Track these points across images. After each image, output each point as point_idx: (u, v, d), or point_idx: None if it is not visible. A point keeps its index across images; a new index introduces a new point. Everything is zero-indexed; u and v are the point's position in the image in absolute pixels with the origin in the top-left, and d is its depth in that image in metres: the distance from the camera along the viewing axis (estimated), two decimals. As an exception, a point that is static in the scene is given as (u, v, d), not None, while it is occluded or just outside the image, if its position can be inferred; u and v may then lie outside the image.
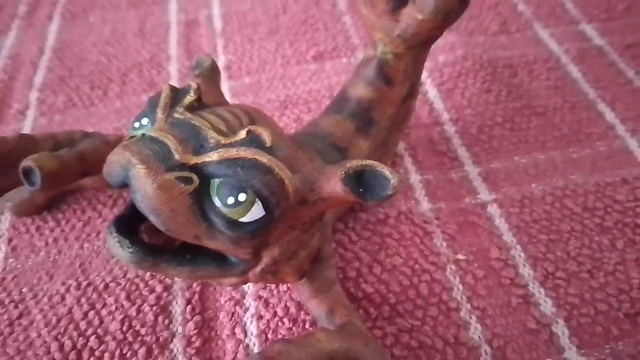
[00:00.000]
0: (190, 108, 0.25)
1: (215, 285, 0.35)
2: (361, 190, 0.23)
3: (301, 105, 0.47)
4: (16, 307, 0.35)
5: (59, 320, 0.34)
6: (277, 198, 0.23)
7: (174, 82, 0.50)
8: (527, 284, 0.35)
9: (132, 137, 0.25)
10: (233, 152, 0.23)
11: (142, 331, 0.34)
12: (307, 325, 0.33)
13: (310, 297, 0.31)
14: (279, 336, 0.33)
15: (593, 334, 0.33)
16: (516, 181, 0.41)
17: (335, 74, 0.50)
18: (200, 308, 0.35)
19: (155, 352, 0.33)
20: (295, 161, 0.25)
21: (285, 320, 0.33)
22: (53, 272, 0.37)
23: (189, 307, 0.35)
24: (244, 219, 0.23)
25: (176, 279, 0.36)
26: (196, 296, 0.35)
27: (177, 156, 0.23)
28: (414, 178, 0.41)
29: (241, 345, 0.33)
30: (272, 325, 0.33)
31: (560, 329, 0.33)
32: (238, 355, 0.32)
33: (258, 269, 0.26)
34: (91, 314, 0.34)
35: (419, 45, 0.33)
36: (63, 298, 0.35)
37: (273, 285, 0.35)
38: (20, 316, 0.35)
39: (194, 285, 0.36)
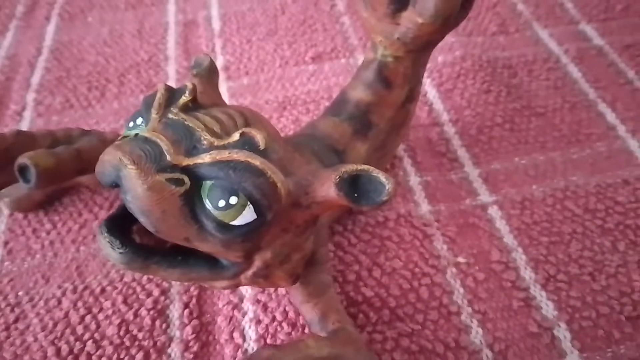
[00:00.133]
0: (185, 108, 0.24)
1: (207, 288, 0.35)
2: (356, 195, 0.23)
3: (300, 107, 0.47)
4: (12, 310, 0.35)
5: (55, 325, 0.34)
6: (269, 201, 0.23)
7: (172, 83, 0.50)
8: (528, 286, 0.34)
9: (125, 136, 0.24)
10: (225, 154, 0.23)
11: (140, 335, 0.33)
12: (306, 330, 0.33)
13: (304, 301, 0.30)
14: (278, 341, 0.33)
15: (595, 337, 0.32)
16: (516, 182, 0.40)
17: (333, 75, 0.50)
18: (198, 312, 0.34)
19: (153, 356, 0.32)
20: (290, 164, 0.24)
21: (284, 324, 0.33)
22: (49, 275, 0.37)
23: (186, 311, 0.34)
24: (235, 222, 0.23)
25: (173, 282, 0.35)
26: (194, 300, 0.35)
27: (168, 157, 0.23)
28: (413, 180, 0.41)
29: (240, 350, 0.32)
30: (270, 330, 0.33)
31: (562, 332, 0.32)
32: (236, 360, 0.32)
33: (250, 272, 0.26)
34: (88, 318, 0.34)
35: (419, 49, 0.33)
36: (59, 302, 0.35)
37: (271, 289, 0.35)
38: (16, 320, 0.34)
39: (192, 288, 0.35)
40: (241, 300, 0.35)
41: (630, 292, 0.34)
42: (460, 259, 0.36)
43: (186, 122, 0.24)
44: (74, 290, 0.36)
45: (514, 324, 0.33)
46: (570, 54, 0.51)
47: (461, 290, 0.34)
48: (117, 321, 0.34)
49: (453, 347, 0.32)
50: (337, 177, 0.23)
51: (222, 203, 0.22)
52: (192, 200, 0.23)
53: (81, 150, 0.34)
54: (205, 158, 0.23)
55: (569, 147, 0.43)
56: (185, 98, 0.25)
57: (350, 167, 0.23)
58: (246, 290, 0.35)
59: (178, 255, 0.25)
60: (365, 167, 0.23)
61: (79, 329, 0.34)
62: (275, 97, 0.48)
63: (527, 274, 0.35)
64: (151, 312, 0.34)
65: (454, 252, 0.36)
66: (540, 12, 0.55)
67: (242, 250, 0.24)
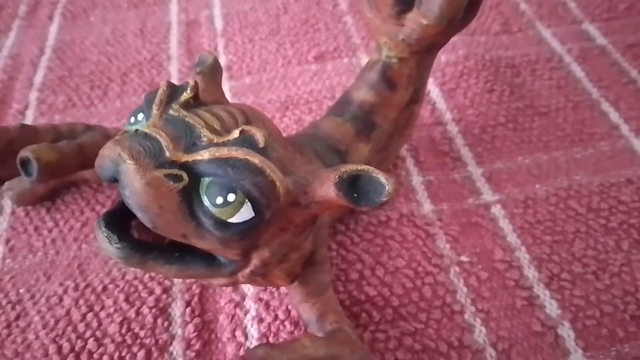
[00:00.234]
0: (186, 105, 0.24)
1: (205, 285, 0.35)
2: (355, 195, 0.23)
3: (302, 106, 0.47)
4: (13, 308, 0.35)
5: (57, 322, 0.34)
6: (267, 199, 0.23)
7: (174, 82, 0.50)
8: (531, 285, 0.34)
9: (126, 131, 0.24)
10: (224, 152, 0.23)
11: (141, 334, 0.33)
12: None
13: (302, 301, 0.30)
14: (281, 340, 0.32)
15: (599, 336, 0.32)
16: (519, 182, 0.40)
17: (336, 74, 0.50)
18: (200, 310, 0.34)
19: (155, 354, 0.32)
20: (290, 162, 0.24)
21: (287, 323, 0.33)
22: (51, 273, 0.36)
23: (188, 309, 0.34)
24: (232, 220, 0.23)
25: (175, 280, 0.35)
26: (195, 298, 0.35)
27: (167, 153, 0.23)
28: (415, 179, 0.41)
29: (242, 348, 0.32)
30: (273, 329, 0.33)
31: (566, 331, 0.32)
32: (239, 358, 0.32)
33: (247, 270, 0.26)
34: (89, 316, 0.34)
35: (423, 51, 0.33)
36: (61, 299, 0.35)
37: (273, 287, 0.35)
38: (17, 318, 0.34)
39: (194, 287, 0.35)
40: (243, 298, 0.35)
41: (634, 291, 0.34)
42: (464, 258, 0.36)
43: (186, 119, 0.24)
44: (76, 288, 0.35)
45: (518, 322, 0.33)
46: (573, 53, 0.51)
47: (464, 289, 0.34)
48: (119, 319, 0.34)
49: (456, 346, 0.32)
50: (337, 177, 0.23)
51: (219, 200, 0.22)
52: (190, 196, 0.23)
53: (84, 145, 0.34)
54: (204, 155, 0.23)
55: (572, 146, 0.43)
56: (186, 95, 0.25)
57: (350, 167, 0.23)
58: (248, 289, 0.35)
59: (176, 252, 0.25)
60: (366, 167, 0.23)
61: (81, 327, 0.34)
62: (277, 97, 0.48)
63: (531, 272, 0.35)
64: (153, 310, 0.34)
65: (457, 251, 0.36)
66: (543, 11, 0.55)
67: (239, 248, 0.24)
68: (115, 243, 0.24)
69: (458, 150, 0.43)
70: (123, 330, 0.33)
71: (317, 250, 0.31)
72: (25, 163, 0.31)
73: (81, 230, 0.39)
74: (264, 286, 0.32)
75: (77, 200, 0.40)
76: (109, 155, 0.23)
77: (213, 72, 0.28)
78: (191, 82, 0.25)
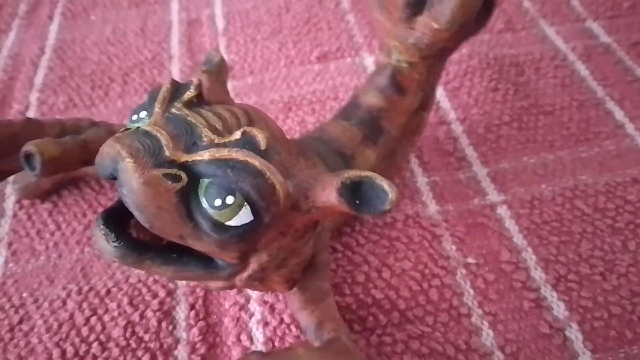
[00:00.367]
0: (189, 104, 0.24)
1: (202, 287, 0.35)
2: (357, 202, 0.23)
3: (305, 107, 0.47)
4: (17, 312, 0.35)
5: (60, 326, 0.34)
6: (266, 203, 0.22)
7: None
8: (539, 287, 0.34)
9: (127, 129, 0.24)
10: (225, 153, 0.22)
11: (146, 337, 0.33)
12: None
13: (301, 307, 0.30)
14: (287, 344, 0.32)
15: (607, 337, 0.32)
16: (525, 182, 0.40)
17: (339, 74, 0.50)
18: (204, 313, 0.34)
19: (160, 358, 0.32)
20: (292, 166, 0.24)
21: (293, 327, 0.33)
22: (54, 276, 0.36)
23: (192, 312, 0.34)
24: (230, 223, 0.22)
25: (179, 283, 0.35)
26: (200, 301, 0.34)
27: (167, 152, 0.22)
28: (420, 180, 0.40)
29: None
30: (279, 333, 0.33)
31: (574, 333, 0.32)
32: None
33: (245, 274, 0.25)
34: (93, 319, 0.34)
35: (434, 56, 0.32)
36: (64, 303, 0.35)
37: (271, 293, 0.34)
38: (20, 321, 0.34)
39: (197, 289, 0.35)
40: (248, 301, 0.34)
41: (642, 292, 0.34)
42: (470, 260, 0.35)
43: (188, 118, 0.23)
44: (79, 292, 0.35)
45: (525, 325, 0.33)
46: (577, 51, 0.50)
47: (471, 291, 0.34)
48: (123, 323, 0.34)
49: (464, 350, 0.32)
50: (339, 182, 0.23)
51: (218, 202, 0.22)
52: (188, 197, 0.22)
53: (88, 141, 0.34)
54: (204, 155, 0.22)
55: (578, 145, 0.42)
56: (190, 94, 0.24)
57: (353, 173, 0.23)
58: (252, 291, 0.35)
59: (173, 253, 0.25)
60: (369, 173, 0.22)
61: (84, 331, 0.33)
62: (280, 97, 0.48)
63: (538, 274, 0.35)
64: (157, 313, 0.34)
65: (463, 252, 0.36)
66: (546, 9, 0.55)
67: (237, 252, 0.24)
68: (113, 241, 0.24)
69: (463, 150, 0.42)
70: (127, 334, 0.33)
71: (317, 256, 0.31)
72: (28, 157, 0.31)
73: (84, 233, 0.38)
74: (262, 291, 0.32)
75: (79, 203, 0.40)
76: (108, 152, 0.22)
77: (219, 71, 0.27)
78: (195, 81, 0.25)
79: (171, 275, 0.25)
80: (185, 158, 0.22)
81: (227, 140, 0.23)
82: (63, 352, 0.32)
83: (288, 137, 0.27)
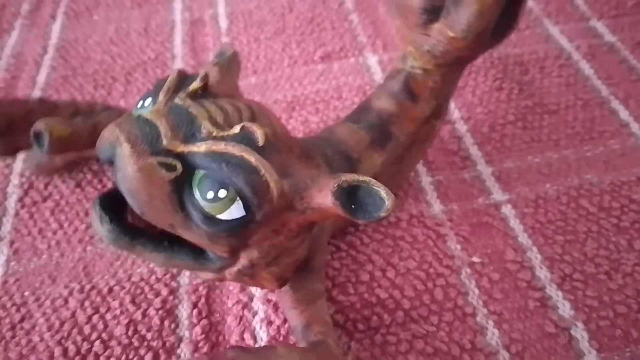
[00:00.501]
0: (193, 95, 0.24)
1: (216, 286, 0.35)
2: (353, 206, 0.22)
3: (309, 106, 0.47)
4: (18, 310, 0.34)
5: (62, 324, 0.34)
6: (259, 200, 0.23)
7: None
8: (544, 286, 0.34)
9: (130, 115, 0.24)
10: (221, 146, 0.22)
11: (148, 336, 0.33)
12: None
13: (291, 306, 0.30)
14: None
15: (612, 337, 0.32)
16: (530, 181, 0.40)
17: (342, 74, 0.49)
18: (207, 312, 0.34)
19: (162, 357, 0.32)
20: (291, 165, 0.24)
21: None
22: (56, 275, 0.36)
23: (195, 310, 0.34)
24: (221, 216, 0.22)
25: (182, 281, 0.35)
26: (202, 299, 0.34)
27: (165, 141, 0.22)
28: (424, 179, 0.40)
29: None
30: (282, 332, 0.32)
31: (579, 332, 0.32)
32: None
33: (235, 269, 0.25)
34: (95, 318, 0.34)
35: (449, 64, 0.32)
36: (66, 301, 0.35)
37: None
38: (22, 320, 0.34)
39: (200, 288, 0.35)
40: (251, 299, 0.34)
41: (648, 291, 0.33)
42: (475, 259, 0.35)
43: (190, 109, 0.23)
44: (81, 290, 0.35)
45: (531, 324, 0.32)
46: (581, 50, 0.50)
47: (476, 291, 0.34)
48: (125, 321, 0.33)
49: (469, 349, 0.31)
50: (336, 185, 0.22)
51: (210, 195, 0.22)
52: (182, 187, 0.23)
53: (98, 124, 0.35)
54: (200, 147, 0.22)
55: (583, 144, 0.42)
56: (195, 85, 0.24)
57: (350, 177, 0.23)
58: (256, 289, 0.34)
59: (165, 241, 0.25)
60: (367, 178, 0.22)
61: (86, 329, 0.33)
62: (283, 97, 0.48)
63: (543, 273, 0.34)
64: (160, 311, 0.34)
65: (468, 252, 0.36)
66: (550, 8, 0.55)
67: (227, 246, 0.24)
68: (106, 224, 0.24)
69: (467, 149, 0.42)
70: (130, 333, 0.33)
71: (313, 258, 0.31)
72: (38, 135, 0.32)
73: (86, 232, 0.38)
74: (252, 286, 0.32)
75: (82, 202, 0.40)
76: (108, 137, 0.23)
77: (230, 64, 0.27)
78: (201, 73, 0.25)
79: (161, 263, 0.25)
80: (182, 148, 0.23)
81: (225, 134, 0.23)
82: (65, 351, 0.32)
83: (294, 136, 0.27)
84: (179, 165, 0.22)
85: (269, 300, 0.34)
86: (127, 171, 0.22)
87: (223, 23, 0.56)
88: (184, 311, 0.34)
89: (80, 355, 0.32)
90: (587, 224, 0.37)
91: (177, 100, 0.24)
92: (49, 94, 0.49)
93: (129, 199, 0.22)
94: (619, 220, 0.37)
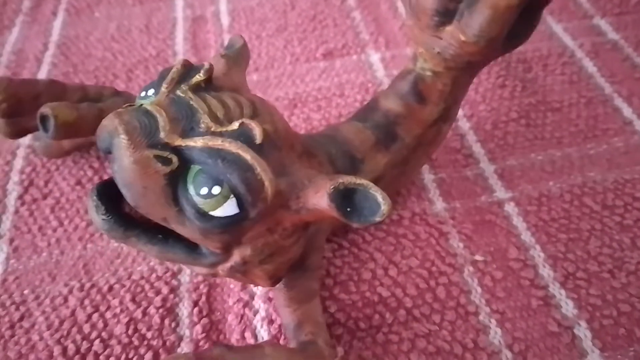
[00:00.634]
0: (196, 88, 0.24)
1: (217, 284, 0.35)
2: (349, 209, 0.22)
3: (311, 104, 0.46)
4: (17, 309, 0.34)
5: (61, 323, 0.33)
6: (253, 198, 0.22)
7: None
8: (547, 285, 0.34)
9: (131, 105, 0.24)
10: (218, 142, 0.22)
11: (149, 335, 0.33)
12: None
13: (284, 304, 0.30)
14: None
15: (616, 336, 0.32)
16: (533, 178, 0.39)
17: (345, 72, 0.49)
18: (208, 310, 0.34)
19: (163, 356, 0.32)
20: (290, 163, 0.24)
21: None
22: (56, 273, 0.36)
23: (196, 309, 0.34)
24: (214, 213, 0.22)
25: (182, 279, 0.35)
26: (203, 297, 0.34)
27: (162, 134, 0.22)
28: (427, 177, 0.40)
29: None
30: (284, 331, 0.32)
31: (583, 331, 0.32)
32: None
33: (228, 265, 0.25)
34: (95, 316, 0.34)
35: (459, 68, 0.31)
36: (66, 300, 0.34)
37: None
38: (21, 318, 0.34)
39: (201, 286, 0.35)
40: (252, 297, 0.34)
41: (652, 290, 0.33)
42: (478, 257, 0.35)
43: (191, 102, 0.23)
44: (81, 288, 0.35)
45: (534, 323, 0.32)
46: (585, 48, 0.50)
47: (479, 289, 0.34)
48: (125, 320, 0.33)
49: (471, 348, 0.31)
50: (332, 187, 0.22)
51: (204, 190, 0.22)
52: (176, 181, 0.22)
53: (104, 110, 0.35)
54: (197, 142, 0.22)
55: (586, 142, 0.42)
56: (198, 77, 0.24)
57: (348, 179, 0.22)
58: (257, 288, 0.34)
59: (159, 233, 0.25)
60: (364, 182, 0.22)
61: (86, 328, 0.33)
62: (285, 94, 0.47)
63: (546, 271, 0.34)
64: (160, 310, 0.34)
65: (470, 250, 0.36)
66: (553, 6, 0.55)
67: (220, 242, 0.24)
68: (102, 214, 0.24)
69: (470, 147, 0.42)
70: (130, 331, 0.33)
71: (309, 256, 0.30)
72: (44, 119, 0.32)
73: (86, 230, 0.38)
74: (245, 283, 0.32)
75: (82, 199, 0.40)
76: (107, 126, 0.22)
77: (238, 57, 0.27)
78: (206, 65, 0.24)
79: (155, 255, 0.25)
80: (179, 142, 0.22)
81: (224, 129, 0.23)
82: (64, 350, 0.32)
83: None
84: (175, 159, 0.22)
85: (270, 299, 0.34)
86: (123, 162, 0.22)
87: (225, 20, 0.56)
88: (184, 310, 0.34)
89: (79, 354, 0.32)
90: (591, 222, 0.37)
91: (179, 92, 0.24)
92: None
93: (123, 191, 0.22)
94: (623, 218, 0.37)
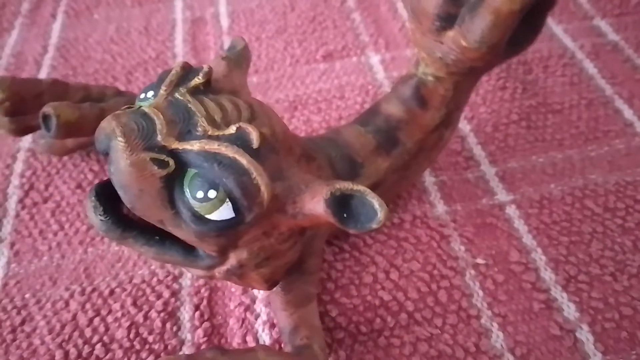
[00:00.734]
0: (194, 91, 0.24)
1: (218, 288, 0.35)
2: (345, 215, 0.22)
3: (311, 106, 0.46)
4: (19, 313, 0.34)
5: (63, 327, 0.33)
6: (249, 202, 0.22)
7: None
8: (549, 288, 0.34)
9: (130, 107, 0.24)
10: (215, 146, 0.22)
11: (150, 339, 0.33)
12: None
13: (281, 308, 0.30)
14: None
15: (618, 339, 0.31)
16: (534, 181, 0.39)
17: (345, 73, 0.49)
18: (209, 314, 0.34)
19: (164, 360, 0.32)
20: (288, 167, 0.24)
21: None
22: (56, 277, 0.36)
23: (197, 313, 0.34)
24: (210, 216, 0.22)
25: (184, 283, 0.35)
26: (204, 302, 0.34)
27: (159, 137, 0.22)
28: (428, 180, 0.40)
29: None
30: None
31: (585, 334, 0.32)
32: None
33: (224, 268, 0.25)
34: (96, 320, 0.34)
35: (461, 73, 0.31)
36: (67, 304, 0.34)
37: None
38: (23, 322, 0.34)
39: (202, 290, 0.35)
40: (253, 301, 0.34)
41: (654, 293, 0.33)
42: (479, 261, 0.35)
43: (189, 105, 0.23)
44: (82, 292, 0.35)
45: (535, 326, 0.32)
46: (585, 49, 0.50)
47: (480, 292, 0.34)
48: (127, 324, 0.33)
49: (473, 352, 0.31)
50: (329, 192, 0.22)
51: (200, 194, 0.22)
52: (173, 184, 0.22)
53: (105, 110, 0.35)
54: (194, 145, 0.22)
55: (587, 144, 0.42)
56: (197, 80, 0.24)
57: (345, 185, 0.22)
58: (258, 292, 0.34)
59: (156, 235, 0.25)
60: (362, 188, 0.22)
61: (88, 332, 0.33)
62: (285, 96, 0.47)
63: (547, 275, 0.34)
64: (161, 314, 0.33)
65: (472, 253, 0.36)
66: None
67: (216, 245, 0.24)
68: (100, 214, 0.24)
69: (471, 149, 0.42)
70: (131, 335, 0.33)
71: (306, 260, 0.30)
72: (46, 118, 0.33)
73: (87, 234, 0.38)
74: (241, 285, 0.32)
75: (83, 203, 0.40)
76: (104, 128, 0.22)
77: (239, 59, 0.27)
78: (205, 68, 0.24)
79: (152, 257, 0.25)
80: (176, 145, 0.22)
81: (221, 133, 0.23)
82: (66, 354, 0.32)
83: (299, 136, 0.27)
84: (171, 162, 0.22)
85: (271, 303, 0.34)
86: (120, 165, 0.22)
87: (224, 22, 0.56)
88: (185, 314, 0.34)
89: (81, 358, 0.32)
90: (592, 224, 0.37)
91: (177, 94, 0.24)
92: (50, 93, 0.49)
93: (120, 192, 0.22)
94: (624, 221, 0.37)
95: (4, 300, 0.35)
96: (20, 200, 0.40)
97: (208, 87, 0.25)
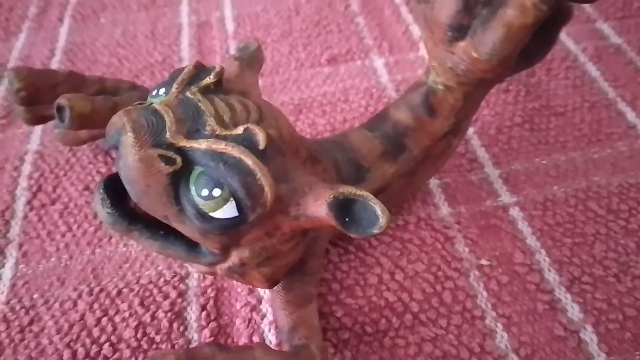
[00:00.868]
0: (205, 90, 0.24)
1: (224, 288, 0.35)
2: (347, 219, 0.23)
3: (316, 109, 0.47)
4: (27, 313, 0.34)
5: (71, 327, 0.34)
6: (252, 202, 0.23)
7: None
8: (553, 289, 0.34)
9: (141, 103, 0.25)
10: (221, 146, 0.22)
11: (157, 338, 0.33)
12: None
13: (281, 307, 0.30)
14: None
15: (622, 340, 0.32)
16: (537, 183, 0.40)
17: (349, 77, 0.49)
18: (216, 314, 0.34)
19: (171, 360, 0.32)
20: (293, 169, 0.24)
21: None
22: (65, 277, 0.36)
23: (204, 313, 0.34)
24: (214, 214, 0.23)
25: (190, 283, 0.35)
26: (211, 302, 0.34)
27: (168, 134, 0.23)
28: (432, 182, 0.40)
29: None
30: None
31: (589, 335, 0.32)
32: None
33: (226, 265, 0.26)
34: (104, 320, 0.34)
35: (472, 84, 0.31)
36: (75, 304, 0.35)
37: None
38: (31, 322, 0.34)
39: (209, 290, 0.35)
40: (259, 301, 0.34)
41: (657, 294, 0.33)
42: (483, 262, 0.35)
43: (199, 104, 0.24)
44: (90, 293, 0.35)
45: (540, 327, 0.32)
46: (588, 52, 0.50)
47: (485, 293, 0.34)
48: (134, 324, 0.33)
49: (478, 353, 0.31)
50: (332, 196, 0.23)
51: (205, 192, 0.22)
52: (179, 181, 0.23)
53: (119, 104, 0.35)
54: (201, 144, 0.23)
55: (590, 146, 0.42)
56: (208, 80, 0.24)
57: (348, 190, 0.23)
58: (264, 292, 0.35)
59: (161, 230, 0.25)
60: (364, 193, 0.22)
61: (95, 332, 0.33)
62: (290, 99, 0.48)
63: (552, 276, 0.34)
64: (168, 314, 0.34)
65: (476, 254, 0.36)
66: (557, 10, 0.55)
67: (218, 243, 0.24)
68: (107, 207, 0.24)
69: (474, 152, 0.42)
70: (138, 335, 0.33)
71: (307, 261, 0.31)
72: (60, 109, 0.33)
73: (95, 235, 0.38)
74: (243, 284, 0.32)
75: (90, 204, 0.40)
76: (115, 123, 0.23)
77: (251, 60, 0.27)
78: (217, 68, 0.25)
79: (156, 250, 0.26)
80: (184, 143, 0.23)
81: (228, 133, 0.23)
82: (74, 354, 0.32)
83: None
84: (178, 160, 0.22)
85: (271, 302, 0.34)
86: (128, 160, 0.22)
87: (230, 26, 0.56)
88: (192, 314, 0.34)
89: (89, 358, 0.32)
90: (596, 226, 0.37)
91: (188, 93, 0.24)
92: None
93: (127, 187, 0.23)
94: (628, 223, 0.37)
95: (12, 301, 0.35)
96: (29, 202, 0.41)
97: (219, 86, 0.25)
